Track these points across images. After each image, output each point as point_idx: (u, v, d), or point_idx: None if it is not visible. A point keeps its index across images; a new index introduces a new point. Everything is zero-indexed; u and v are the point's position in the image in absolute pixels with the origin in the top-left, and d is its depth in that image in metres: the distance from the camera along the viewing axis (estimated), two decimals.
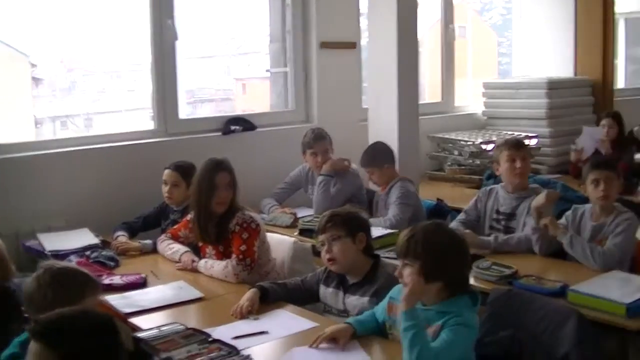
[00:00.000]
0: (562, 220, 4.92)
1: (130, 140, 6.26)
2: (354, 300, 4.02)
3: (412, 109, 6.86)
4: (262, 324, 3.84)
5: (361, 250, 4.07)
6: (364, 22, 7.50)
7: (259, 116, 7.16)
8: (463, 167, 8.05)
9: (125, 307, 4.01)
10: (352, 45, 7.55)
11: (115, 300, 4.10)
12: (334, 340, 3.54)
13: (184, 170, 5.47)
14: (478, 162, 7.93)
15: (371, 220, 5.55)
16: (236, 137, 6.74)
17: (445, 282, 3.38)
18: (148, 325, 3.78)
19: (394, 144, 6.42)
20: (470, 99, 9.55)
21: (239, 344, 3.53)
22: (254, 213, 4.85)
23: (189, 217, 5.02)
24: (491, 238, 5.09)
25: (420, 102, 7.38)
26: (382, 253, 4.69)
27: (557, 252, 4.91)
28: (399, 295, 3.51)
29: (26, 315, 3.18)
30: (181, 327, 3.69)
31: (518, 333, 3.93)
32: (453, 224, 5.35)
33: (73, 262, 4.68)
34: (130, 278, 4.51)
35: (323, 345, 3.52)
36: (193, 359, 3.36)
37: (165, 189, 5.54)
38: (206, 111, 7.83)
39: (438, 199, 6.46)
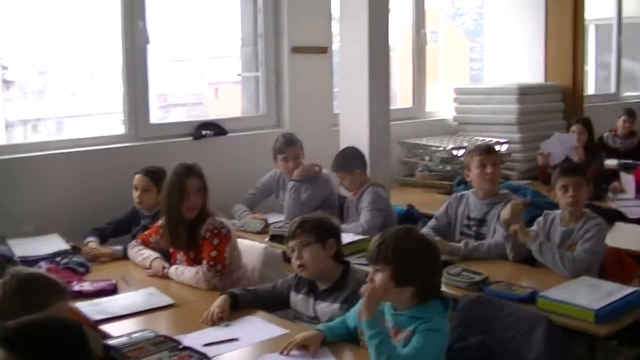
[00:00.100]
0: (534, 227, 4.96)
1: (101, 145, 6.22)
2: (325, 307, 4.03)
3: (383, 114, 6.88)
4: (232, 330, 3.84)
5: (331, 256, 4.08)
6: (335, 27, 7.51)
7: (230, 121, 7.15)
8: (434, 173, 8.08)
9: (95, 314, 4.00)
10: (324, 50, 7.56)
11: (85, 306, 4.07)
12: (305, 347, 3.54)
13: (154, 175, 5.45)
14: (449, 167, 7.96)
15: (343, 225, 5.60)
16: (207, 141, 6.73)
17: (417, 287, 3.39)
18: (118, 332, 3.76)
19: (364, 149, 6.43)
20: (442, 104, 9.58)
21: (209, 351, 3.53)
22: (225, 219, 4.84)
23: (159, 222, 5.00)
24: (461, 244, 5.10)
25: (392, 107, 7.41)
26: (353, 259, 4.72)
27: (527, 259, 4.94)
28: None
29: None
30: (152, 334, 3.68)
31: (488, 339, 3.97)
32: (424, 230, 5.34)
33: (43, 268, 4.64)
34: (101, 284, 4.49)
35: (294, 352, 3.51)
36: None
37: (135, 194, 5.53)
38: (179, 115, 7.80)
39: (409, 205, 6.48)
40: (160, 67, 7.10)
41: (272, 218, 6.13)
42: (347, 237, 5.07)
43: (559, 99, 9.50)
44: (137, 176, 5.54)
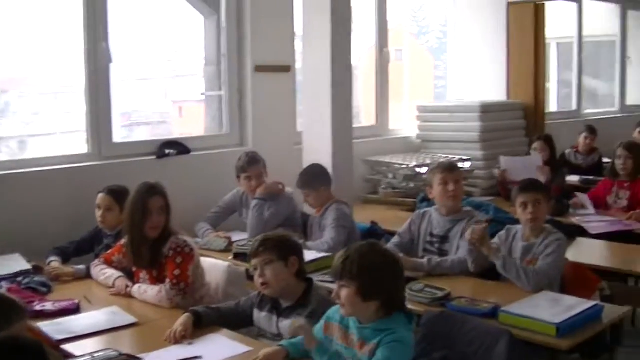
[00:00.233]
0: (495, 240, 5.00)
1: (63, 164, 6.20)
2: (288, 324, 4.03)
3: (346, 132, 6.92)
4: (196, 348, 3.83)
5: (294, 274, 4.09)
6: (298, 46, 7.54)
7: (193, 140, 7.15)
8: (397, 190, 8.12)
9: (57, 334, 3.97)
10: (287, 68, 7.58)
11: (47, 326, 4.06)
12: None
13: (117, 195, 5.42)
14: (412, 185, 8.00)
15: (308, 243, 5.64)
16: (170, 160, 6.73)
17: (382, 301, 3.45)
18: (81, 351, 3.73)
19: (328, 167, 6.45)
20: (406, 122, 9.62)
21: None
22: (188, 237, 4.83)
23: (122, 241, 4.99)
24: (425, 261, 5.13)
25: (356, 125, 7.45)
26: (317, 276, 4.74)
27: (489, 274, 4.99)
28: (336, 315, 3.61)
29: None
30: (114, 353, 3.65)
31: (451, 354, 3.99)
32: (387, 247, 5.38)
33: (4, 288, 4.63)
34: (63, 304, 4.46)
35: None
36: None
37: (98, 213, 5.49)
38: (143, 134, 7.79)
39: (372, 222, 6.51)
40: (124, 86, 7.09)
41: (236, 236, 6.11)
42: (310, 255, 5.12)
43: (521, 117, 9.59)
44: (100, 195, 5.51)
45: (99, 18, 6.36)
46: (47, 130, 7.14)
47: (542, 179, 6.82)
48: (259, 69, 7.34)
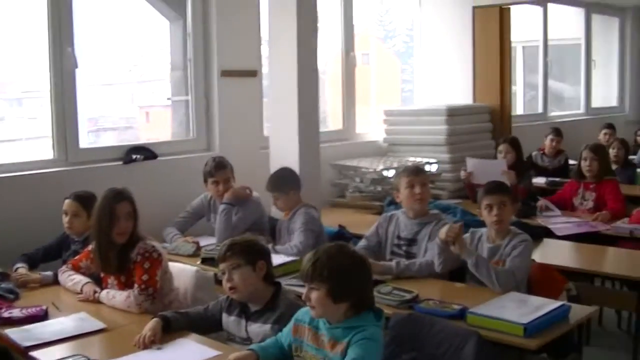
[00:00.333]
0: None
1: (29, 170, 6.16)
2: (257, 328, 4.05)
3: (313, 136, 6.94)
4: (165, 353, 3.84)
5: (262, 278, 4.09)
6: (265, 50, 7.54)
7: (160, 145, 7.14)
8: (364, 194, 8.13)
9: (25, 341, 3.95)
10: (253, 73, 7.58)
11: (14, 333, 4.04)
12: None
13: (84, 200, 5.40)
14: (379, 188, 8.02)
15: (277, 247, 5.66)
16: (137, 166, 6.71)
17: (352, 301, 3.48)
18: (49, 358, 3.75)
19: (295, 171, 6.45)
20: (373, 126, 9.64)
21: None
22: (156, 242, 4.81)
23: (90, 247, 4.97)
24: (393, 263, 5.14)
25: (323, 129, 7.46)
26: (285, 280, 4.75)
27: (456, 275, 5.02)
28: (305, 317, 3.63)
29: None
30: (83, 359, 3.67)
31: (419, 356, 4.02)
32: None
33: None
34: (31, 311, 4.43)
35: None
36: None
37: (65, 219, 5.47)
38: (110, 139, 7.75)
39: (340, 226, 6.53)
40: (90, 91, 7.06)
41: (204, 241, 6.11)
42: (278, 259, 5.12)
43: (487, 120, 9.63)
44: (67, 201, 5.48)
45: (63, 23, 6.34)
46: (13, 136, 7.09)
47: (507, 182, 6.84)
48: (225, 73, 7.34)
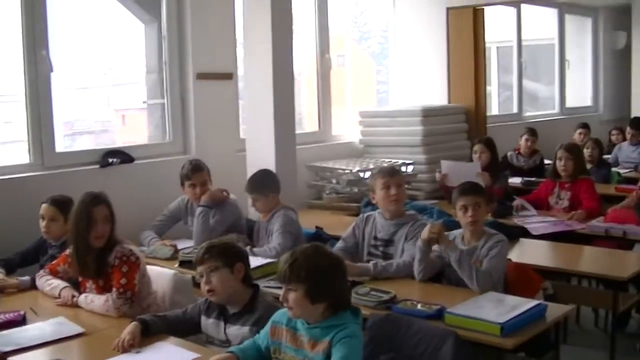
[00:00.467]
0: (435, 247, 5.02)
1: (5, 175, 6.14)
2: (235, 330, 4.05)
3: (289, 138, 6.95)
4: (144, 357, 3.84)
5: (240, 280, 4.10)
6: (240, 52, 7.54)
7: (137, 148, 7.13)
8: (341, 195, 8.15)
9: (3, 346, 3.93)
10: (229, 76, 7.59)
11: None
12: None
13: (61, 205, 5.39)
14: (356, 189, 8.03)
15: (255, 249, 5.67)
16: (114, 169, 6.70)
17: (329, 302, 3.51)
18: None
19: (274, 173, 6.46)
20: (349, 127, 9.65)
21: None
22: (134, 246, 4.80)
23: (67, 252, 4.94)
24: (370, 265, 5.14)
25: (300, 131, 7.47)
26: (263, 282, 4.76)
27: (432, 277, 5.03)
28: (282, 319, 3.65)
29: None
30: None
31: (397, 356, 4.04)
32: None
33: None
34: (8, 316, 4.41)
35: None
36: None
37: (42, 223, 5.45)
38: (86, 143, 7.72)
39: (317, 227, 6.53)
40: (66, 95, 7.04)
41: (181, 244, 6.09)
42: (256, 261, 5.12)
43: (462, 120, 9.67)
44: (44, 206, 5.46)
45: (38, 27, 6.31)
46: None
47: (482, 184, 6.87)
48: (201, 76, 7.34)
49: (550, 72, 13.60)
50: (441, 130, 9.20)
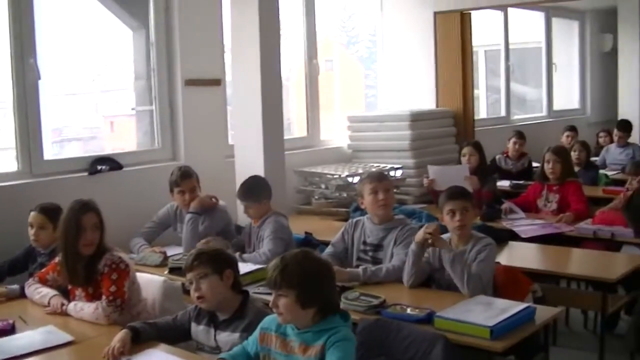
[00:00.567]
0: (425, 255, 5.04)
1: None
2: (225, 337, 4.05)
3: (278, 144, 6.96)
4: None
5: (229, 286, 4.10)
6: (228, 58, 7.54)
7: (125, 155, 7.12)
8: (330, 201, 8.15)
9: None
10: (217, 82, 7.59)
11: None
12: None
13: (50, 212, 5.37)
14: (345, 194, 8.03)
15: (245, 255, 5.67)
16: (103, 177, 6.70)
17: (319, 306, 3.52)
18: None
19: (266, 179, 6.45)
20: (338, 132, 9.65)
21: None
22: (123, 253, 4.80)
23: (56, 259, 4.93)
24: (360, 270, 5.14)
25: (287, 137, 7.47)
26: (253, 288, 4.76)
27: (422, 282, 5.04)
28: (271, 325, 3.66)
29: None
30: None
31: None
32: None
33: None
34: None
35: None
36: None
37: (31, 231, 5.43)
38: (74, 150, 7.70)
39: (306, 233, 6.54)
40: (54, 102, 7.02)
41: (171, 251, 6.09)
42: (245, 267, 5.13)
43: (450, 124, 9.69)
44: (32, 213, 5.45)
45: (25, 34, 6.30)
46: None
47: (470, 188, 6.88)
48: (189, 82, 7.34)
49: (538, 75, 13.63)
50: (429, 134, 9.22)
